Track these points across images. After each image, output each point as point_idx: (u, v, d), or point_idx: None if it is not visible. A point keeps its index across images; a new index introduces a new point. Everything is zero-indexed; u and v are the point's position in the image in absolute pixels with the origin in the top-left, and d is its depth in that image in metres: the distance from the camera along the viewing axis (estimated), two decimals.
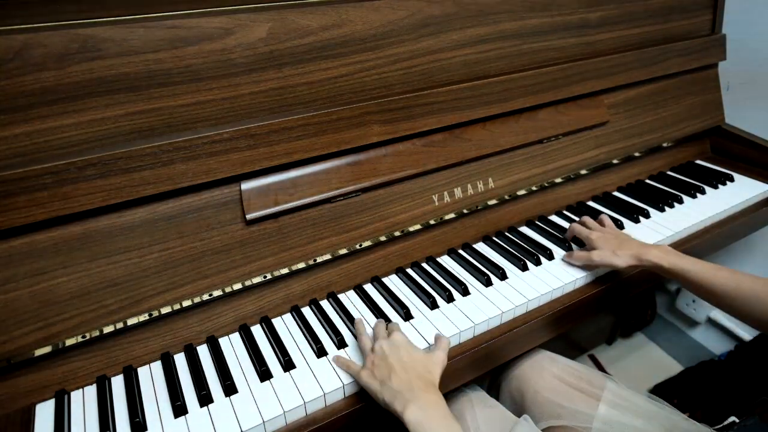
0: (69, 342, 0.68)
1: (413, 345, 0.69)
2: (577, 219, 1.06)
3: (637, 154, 1.20)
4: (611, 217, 1.05)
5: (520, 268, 0.91)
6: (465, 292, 0.86)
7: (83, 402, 0.69)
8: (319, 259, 0.83)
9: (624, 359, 1.61)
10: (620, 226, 1.03)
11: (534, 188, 1.05)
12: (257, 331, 0.80)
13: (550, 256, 0.94)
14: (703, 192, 1.15)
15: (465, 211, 0.97)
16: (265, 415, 0.65)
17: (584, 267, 0.90)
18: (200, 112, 0.73)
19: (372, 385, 0.64)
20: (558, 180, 1.08)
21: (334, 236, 0.83)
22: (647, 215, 1.07)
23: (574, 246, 0.96)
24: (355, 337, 0.76)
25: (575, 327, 1.18)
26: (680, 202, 1.12)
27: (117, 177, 0.67)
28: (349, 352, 0.75)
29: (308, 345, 0.76)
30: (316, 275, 0.85)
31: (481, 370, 0.81)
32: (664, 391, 1.43)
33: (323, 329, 0.79)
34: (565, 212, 1.10)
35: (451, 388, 0.80)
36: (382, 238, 0.89)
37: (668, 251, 0.82)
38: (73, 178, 0.64)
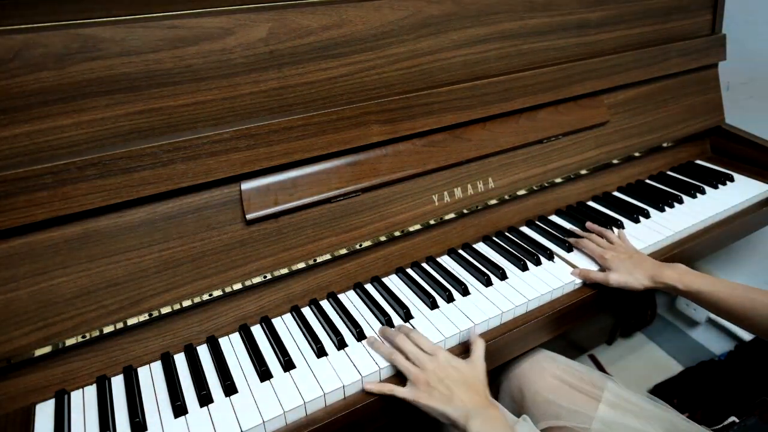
0: (69, 342, 0.68)
1: (455, 359, 0.71)
2: (577, 219, 1.06)
3: (637, 154, 1.20)
4: (611, 217, 1.05)
5: (520, 268, 0.91)
6: (465, 292, 0.86)
7: (83, 402, 0.68)
8: (319, 259, 0.83)
9: (624, 359, 1.61)
10: (620, 225, 1.03)
11: (534, 188, 1.05)
12: (257, 331, 0.80)
13: (550, 256, 0.94)
14: (703, 192, 1.15)
15: (465, 211, 0.97)
16: (265, 415, 0.65)
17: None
18: (200, 112, 0.73)
19: (435, 405, 0.66)
20: (558, 180, 1.08)
21: (334, 236, 0.83)
22: (647, 215, 1.07)
23: (575, 250, 0.96)
24: (350, 332, 0.76)
25: (575, 327, 1.18)
26: (680, 202, 1.12)
27: (117, 177, 0.67)
28: (349, 353, 0.75)
29: (308, 345, 0.76)
30: (316, 275, 0.85)
31: None
32: (664, 391, 1.43)
33: (323, 329, 0.79)
34: (565, 212, 1.10)
35: None
36: (382, 238, 0.89)
37: (682, 271, 0.81)
38: (73, 178, 0.64)
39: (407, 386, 0.69)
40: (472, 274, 0.91)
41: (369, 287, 0.88)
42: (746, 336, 1.46)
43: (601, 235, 0.95)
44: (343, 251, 0.85)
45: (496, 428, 0.62)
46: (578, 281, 0.89)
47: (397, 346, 0.73)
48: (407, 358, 0.71)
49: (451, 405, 0.65)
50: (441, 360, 0.70)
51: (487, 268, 0.91)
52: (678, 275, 0.80)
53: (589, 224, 1.00)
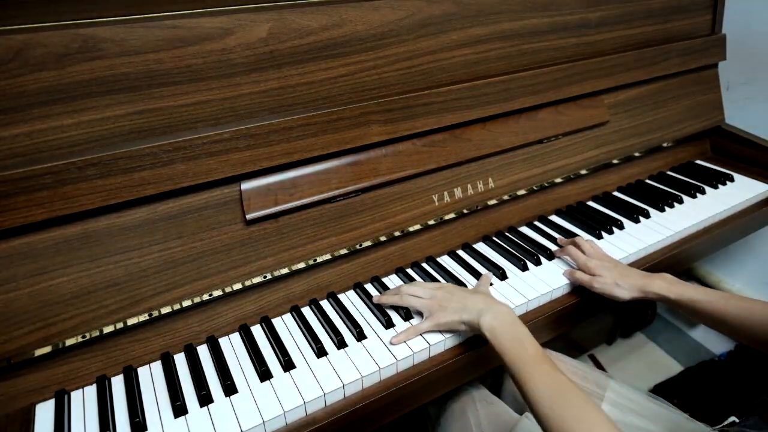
0: (69, 342, 0.68)
1: (460, 286, 0.82)
2: (577, 219, 1.06)
3: (637, 154, 1.20)
4: (611, 217, 1.06)
5: (520, 268, 0.91)
6: None
7: (83, 402, 0.69)
8: (319, 259, 0.83)
9: (624, 359, 1.61)
10: (620, 226, 1.03)
11: (534, 188, 1.05)
12: (257, 331, 0.80)
13: (550, 256, 0.94)
14: (703, 192, 1.15)
15: (465, 211, 0.97)
16: (265, 415, 0.65)
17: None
18: (200, 112, 0.73)
19: (452, 317, 0.74)
20: (558, 180, 1.08)
21: (334, 236, 0.83)
22: (647, 215, 1.07)
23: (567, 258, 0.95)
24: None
25: (575, 327, 1.18)
26: (680, 202, 1.12)
27: (117, 177, 0.67)
28: (349, 353, 0.75)
29: (308, 345, 0.76)
30: (316, 275, 0.85)
31: (483, 368, 0.82)
32: (664, 391, 1.43)
33: (323, 329, 0.79)
34: (565, 212, 1.10)
35: (454, 386, 0.80)
36: (382, 238, 0.89)
37: (672, 281, 0.79)
38: (73, 178, 0.64)
39: (425, 319, 0.77)
40: (471, 274, 0.91)
41: (369, 287, 0.88)
42: None
43: (575, 245, 0.92)
44: (343, 251, 0.85)
45: (504, 321, 0.70)
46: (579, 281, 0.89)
47: (403, 292, 0.79)
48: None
49: (466, 311, 0.73)
50: (447, 287, 0.79)
51: (486, 268, 0.91)
52: (668, 285, 0.78)
53: (560, 239, 0.98)
